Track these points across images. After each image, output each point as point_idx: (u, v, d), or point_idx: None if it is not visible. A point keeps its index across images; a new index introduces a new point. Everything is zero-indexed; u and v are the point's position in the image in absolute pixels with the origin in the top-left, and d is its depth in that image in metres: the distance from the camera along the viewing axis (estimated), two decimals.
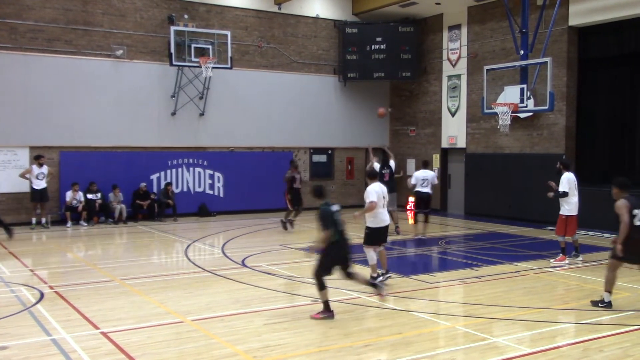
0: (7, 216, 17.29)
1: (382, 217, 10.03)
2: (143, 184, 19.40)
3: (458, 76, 21.64)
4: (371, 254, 10.04)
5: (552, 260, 12.12)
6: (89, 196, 18.48)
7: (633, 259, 8.55)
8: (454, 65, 21.80)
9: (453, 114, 21.88)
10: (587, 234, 16.29)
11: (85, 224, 18.21)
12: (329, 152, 23.49)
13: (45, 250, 14.58)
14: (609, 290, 8.60)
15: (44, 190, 17.41)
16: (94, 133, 18.91)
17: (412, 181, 15.97)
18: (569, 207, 12.01)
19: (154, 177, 19.99)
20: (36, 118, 18.09)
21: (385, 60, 22.73)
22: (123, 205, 18.93)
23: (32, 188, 17.30)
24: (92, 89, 18.88)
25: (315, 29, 22.81)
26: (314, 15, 22.69)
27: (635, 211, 8.41)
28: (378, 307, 8.71)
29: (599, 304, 8.62)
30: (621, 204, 8.41)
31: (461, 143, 21.53)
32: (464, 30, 21.34)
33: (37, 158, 17.44)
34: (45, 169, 17.48)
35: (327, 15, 22.95)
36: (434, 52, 22.60)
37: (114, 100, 19.20)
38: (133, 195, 19.24)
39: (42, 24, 18.16)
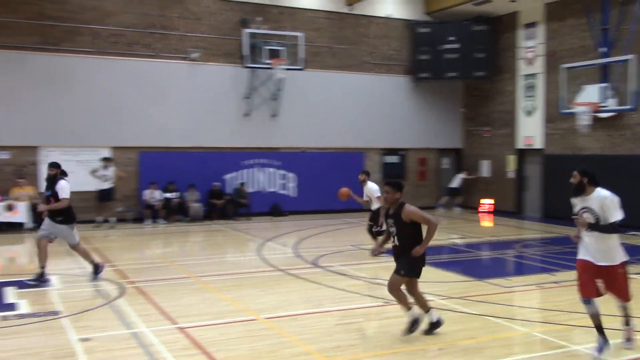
0: (90, 214, 18.04)
1: None
2: (217, 184, 19.85)
3: (534, 75, 21.04)
4: None
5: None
6: (167, 195, 19.05)
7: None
8: (530, 64, 21.22)
9: (529, 114, 21.30)
10: None
11: (164, 222, 18.78)
12: (401, 153, 23.32)
13: (126, 246, 15.12)
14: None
15: (108, 190, 17.94)
16: (171, 134, 19.49)
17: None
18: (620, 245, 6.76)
19: (228, 177, 20.42)
20: (117, 119, 18.80)
21: (458, 60, 22.36)
22: (199, 204, 19.42)
23: (98, 189, 17.89)
24: (169, 91, 19.46)
25: (387, 29, 22.70)
26: (386, 15, 22.59)
27: None
28: (451, 310, 8.58)
29: None
30: (415, 209, 7.30)
31: (538, 144, 20.93)
32: (541, 28, 20.72)
33: (104, 160, 18.01)
34: (110, 171, 17.99)
35: (399, 15, 22.80)
36: (509, 51, 22.07)
37: (190, 101, 19.72)
38: (208, 195, 19.71)
39: (123, 29, 18.86)
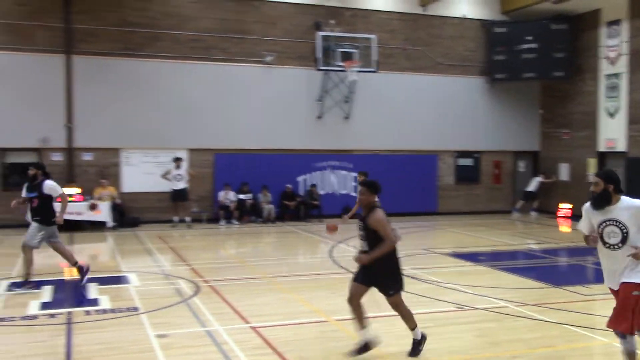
0: (167, 214, 18.60)
1: None
2: (289, 186, 20.07)
3: (617, 75, 20.19)
4: None
5: None
6: (241, 196, 19.41)
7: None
8: (613, 64, 20.38)
9: (612, 116, 20.46)
10: None
11: (237, 223, 19.13)
12: (475, 155, 22.88)
13: (201, 246, 15.50)
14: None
15: (182, 190, 18.45)
16: (245, 136, 19.84)
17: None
18: None
19: (300, 178, 20.60)
20: (194, 122, 19.31)
21: (536, 60, 21.76)
22: (272, 206, 19.69)
23: (172, 189, 18.43)
24: (244, 94, 19.83)
25: (462, 29, 22.34)
26: (460, 15, 22.23)
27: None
28: (527, 317, 8.35)
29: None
30: (381, 218, 6.44)
31: (621, 146, 20.07)
32: (625, 26, 19.87)
33: (175, 160, 18.53)
34: (182, 171, 18.53)
35: (474, 15, 22.39)
36: (589, 50, 21.26)
37: (263, 104, 20.03)
38: (281, 196, 19.95)
39: (201, 34, 19.37)
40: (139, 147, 18.94)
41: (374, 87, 21.01)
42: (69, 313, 8.47)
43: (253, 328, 7.78)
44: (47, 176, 10.17)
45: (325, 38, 19.83)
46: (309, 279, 11.03)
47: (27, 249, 9.99)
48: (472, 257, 13.33)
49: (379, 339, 6.75)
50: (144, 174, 18.93)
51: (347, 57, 19.79)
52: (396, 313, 6.83)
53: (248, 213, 19.49)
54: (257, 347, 7.05)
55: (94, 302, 9.17)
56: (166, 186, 18.45)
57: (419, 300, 9.41)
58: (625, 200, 5.54)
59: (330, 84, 20.54)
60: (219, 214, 19.22)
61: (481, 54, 22.56)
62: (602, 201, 5.54)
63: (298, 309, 8.87)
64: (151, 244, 15.01)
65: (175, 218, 18.45)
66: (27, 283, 9.94)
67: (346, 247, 14.85)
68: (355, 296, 6.70)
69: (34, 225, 10.04)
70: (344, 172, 21.10)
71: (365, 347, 6.67)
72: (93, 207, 17.28)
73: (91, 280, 10.51)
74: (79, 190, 17.48)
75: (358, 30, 20.67)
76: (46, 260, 12.16)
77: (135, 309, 8.72)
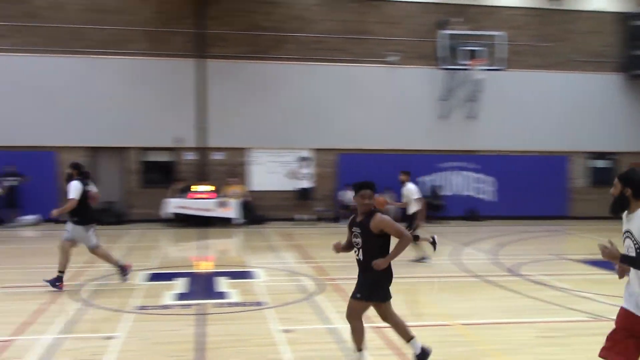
0: (291, 212, 19.08)
1: None
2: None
3: None
4: None
5: None
6: None
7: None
8: None
9: None
10: None
11: None
12: (611, 157, 21.54)
13: (325, 244, 15.66)
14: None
15: (307, 189, 18.86)
16: (368, 136, 19.92)
17: None
18: None
19: (424, 179, 20.35)
20: (318, 122, 19.67)
21: None
22: (394, 207, 19.60)
23: (298, 187, 18.89)
24: (367, 94, 19.92)
25: (596, 23, 21.13)
26: (595, 8, 21.02)
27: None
28: None
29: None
30: (389, 218, 6.23)
31: None
32: None
33: (302, 160, 18.95)
34: (308, 170, 18.94)
35: (611, 8, 21.10)
36: None
37: (387, 104, 20.01)
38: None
39: (324, 35, 19.67)
40: (265, 147, 19.56)
41: (501, 86, 20.36)
42: (201, 304, 8.88)
43: (375, 328, 7.76)
44: (83, 176, 9.76)
45: (449, 36, 19.49)
46: (433, 281, 10.89)
47: (94, 251, 9.84)
48: (609, 265, 12.49)
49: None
50: (269, 173, 19.54)
51: (472, 55, 19.37)
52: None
53: None
54: (379, 347, 7.05)
55: (224, 295, 9.56)
56: (290, 185, 18.93)
57: (548, 307, 9.02)
58: None
59: (454, 83, 20.15)
60: (340, 214, 19.42)
61: (618, 49, 21.21)
62: (617, 207, 4.58)
63: (421, 310, 8.78)
64: (276, 241, 15.44)
65: (300, 216, 18.89)
66: (124, 271, 9.94)
67: (469, 250, 14.52)
68: (385, 315, 6.39)
69: (77, 228, 9.62)
70: (469, 173, 20.62)
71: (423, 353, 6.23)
72: (223, 204, 18.04)
73: (222, 274, 11.01)
74: (212, 187, 18.33)
75: (484, 28, 20.13)
76: (180, 254, 12.87)
77: (261, 303, 8.98)
